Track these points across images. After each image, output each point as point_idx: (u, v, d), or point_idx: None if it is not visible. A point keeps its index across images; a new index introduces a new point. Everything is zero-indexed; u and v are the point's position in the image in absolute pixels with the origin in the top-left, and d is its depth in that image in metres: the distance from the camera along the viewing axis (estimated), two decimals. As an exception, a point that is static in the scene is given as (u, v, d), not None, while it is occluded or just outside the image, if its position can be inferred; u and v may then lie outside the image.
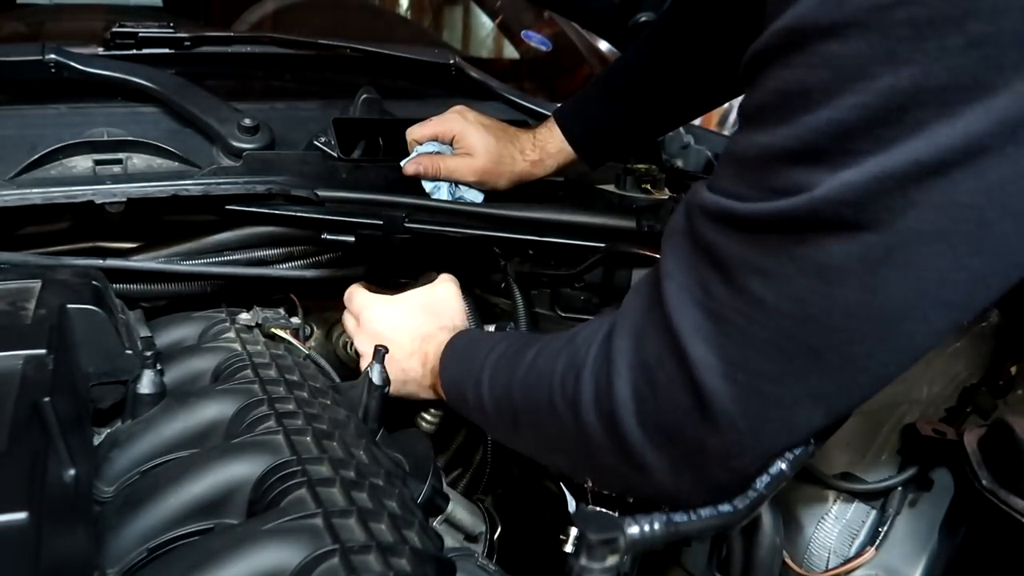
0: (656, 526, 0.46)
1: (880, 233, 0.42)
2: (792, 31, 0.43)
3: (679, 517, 0.48)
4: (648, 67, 0.99)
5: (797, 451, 0.54)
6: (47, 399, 0.51)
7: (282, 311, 0.90)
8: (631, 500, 0.72)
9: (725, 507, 0.51)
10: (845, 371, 0.47)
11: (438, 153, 1.00)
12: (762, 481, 0.52)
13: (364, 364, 0.91)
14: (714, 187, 0.50)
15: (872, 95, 0.40)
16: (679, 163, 1.32)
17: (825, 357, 0.46)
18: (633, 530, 0.44)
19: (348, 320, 0.94)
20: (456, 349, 0.80)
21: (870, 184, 0.41)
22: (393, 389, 0.85)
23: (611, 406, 0.54)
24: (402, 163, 1.00)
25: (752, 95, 0.47)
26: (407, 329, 0.87)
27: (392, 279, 1.04)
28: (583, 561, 0.42)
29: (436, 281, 0.94)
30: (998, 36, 0.37)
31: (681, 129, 1.33)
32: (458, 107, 1.02)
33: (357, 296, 0.93)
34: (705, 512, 0.50)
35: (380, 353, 0.80)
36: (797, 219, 0.44)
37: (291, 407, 0.69)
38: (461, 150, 0.99)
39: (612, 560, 0.43)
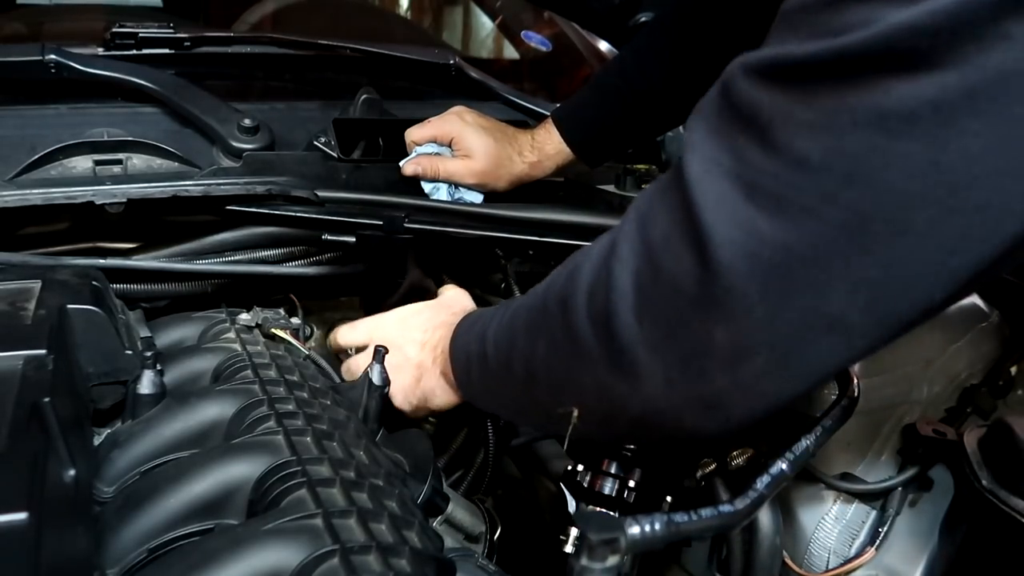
0: (657, 526, 0.45)
1: (961, 71, 0.35)
2: None
3: (680, 517, 0.48)
4: (645, 66, 0.99)
5: (798, 451, 0.55)
6: (47, 399, 0.51)
7: (282, 311, 0.90)
8: (610, 434, 0.67)
9: (726, 507, 0.51)
10: (894, 249, 0.40)
11: (437, 155, 1.00)
12: (762, 481, 0.53)
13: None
14: (759, 49, 0.44)
15: None
16: (679, 163, 1.32)
17: (873, 227, 0.39)
18: (634, 530, 0.44)
19: (358, 360, 0.85)
20: (468, 319, 0.76)
21: (954, 8, 0.34)
22: (408, 393, 0.82)
23: (607, 299, 0.49)
24: (401, 163, 1.00)
25: None
26: (418, 324, 0.83)
27: (392, 281, 1.04)
28: (584, 561, 0.42)
29: (443, 291, 0.92)
30: None
31: (681, 129, 1.33)
32: (457, 108, 1.02)
33: (358, 328, 0.86)
34: (706, 512, 0.50)
35: (380, 353, 0.80)
36: (859, 57, 0.38)
37: (291, 407, 0.69)
38: (460, 152, 0.99)
39: (613, 560, 0.43)
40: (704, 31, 0.94)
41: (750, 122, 0.42)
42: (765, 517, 0.77)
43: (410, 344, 0.82)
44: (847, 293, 0.41)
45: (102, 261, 0.84)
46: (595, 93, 1.02)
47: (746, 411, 0.47)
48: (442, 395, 0.81)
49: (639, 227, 0.49)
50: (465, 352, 0.72)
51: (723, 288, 0.43)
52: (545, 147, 1.02)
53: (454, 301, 0.88)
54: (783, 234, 0.41)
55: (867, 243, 0.40)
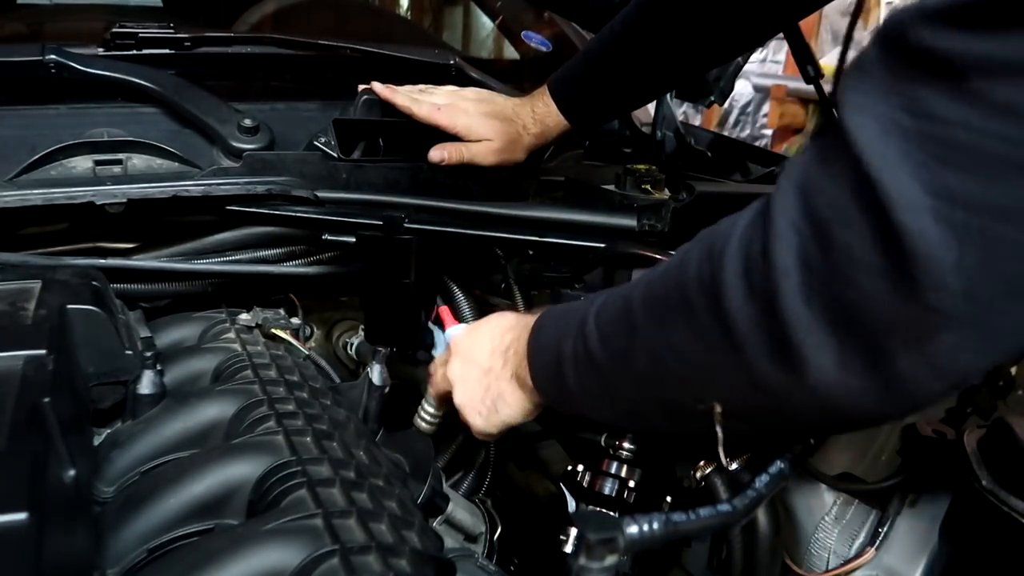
0: (655, 526, 0.45)
1: None
2: None
3: (678, 517, 0.48)
4: (633, 37, 1.01)
5: (797, 451, 0.54)
6: (47, 399, 0.51)
7: (282, 311, 0.90)
8: (761, 428, 0.59)
9: (724, 507, 0.51)
10: None
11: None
12: (761, 481, 0.53)
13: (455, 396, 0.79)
14: None
15: None
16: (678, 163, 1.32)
17: None
18: (632, 530, 0.44)
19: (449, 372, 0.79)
20: (550, 315, 0.68)
21: None
22: (477, 404, 0.75)
23: (767, 280, 0.44)
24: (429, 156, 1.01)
25: None
26: (487, 331, 0.77)
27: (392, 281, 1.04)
28: (582, 561, 0.42)
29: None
30: None
31: (681, 129, 1.33)
32: (454, 99, 1.04)
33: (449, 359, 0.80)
34: (704, 511, 0.50)
35: (381, 354, 0.80)
36: None
37: (291, 407, 0.69)
38: (474, 139, 1.02)
39: (611, 560, 0.43)
40: (688, 9, 0.96)
41: (937, 73, 0.38)
42: (763, 518, 0.77)
43: (479, 351, 0.76)
44: None
45: (102, 261, 0.85)
46: (586, 62, 1.06)
47: (933, 389, 0.43)
48: (513, 402, 0.73)
49: (799, 199, 0.44)
50: (554, 351, 0.64)
51: (910, 258, 0.38)
52: (546, 120, 1.06)
53: (517, 314, 0.81)
54: (982, 192, 0.37)
55: None
